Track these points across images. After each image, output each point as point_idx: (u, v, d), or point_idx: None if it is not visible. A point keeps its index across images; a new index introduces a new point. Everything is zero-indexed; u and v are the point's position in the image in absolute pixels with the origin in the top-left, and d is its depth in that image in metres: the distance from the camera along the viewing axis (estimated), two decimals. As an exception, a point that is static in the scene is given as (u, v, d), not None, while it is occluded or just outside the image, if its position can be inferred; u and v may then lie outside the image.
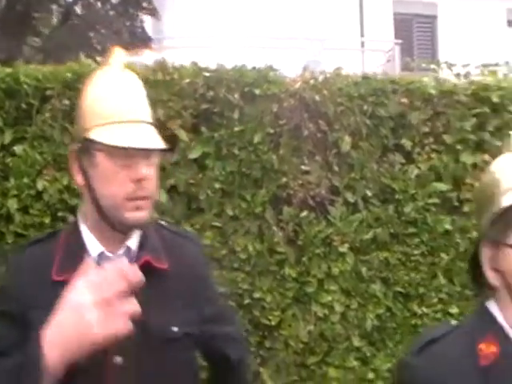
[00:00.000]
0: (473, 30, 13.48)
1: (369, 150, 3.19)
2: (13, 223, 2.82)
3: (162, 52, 8.80)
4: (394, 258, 3.23)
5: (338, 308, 3.14)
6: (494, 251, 1.44)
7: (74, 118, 1.56)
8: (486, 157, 3.28)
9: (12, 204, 2.82)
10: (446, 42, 13.68)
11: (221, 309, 1.73)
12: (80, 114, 1.50)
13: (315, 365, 3.13)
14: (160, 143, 1.47)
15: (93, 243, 1.48)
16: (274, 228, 3.07)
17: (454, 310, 3.31)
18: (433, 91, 3.31)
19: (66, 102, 2.89)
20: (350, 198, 3.17)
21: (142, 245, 1.52)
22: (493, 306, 1.45)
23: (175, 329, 1.49)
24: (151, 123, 1.49)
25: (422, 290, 3.27)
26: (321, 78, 3.18)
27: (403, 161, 3.27)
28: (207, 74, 3.10)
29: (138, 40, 7.20)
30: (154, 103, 2.96)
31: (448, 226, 3.29)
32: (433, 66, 4.13)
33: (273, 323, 3.05)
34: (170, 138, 2.98)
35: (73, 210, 2.76)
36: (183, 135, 3.00)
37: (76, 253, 1.43)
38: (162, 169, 2.96)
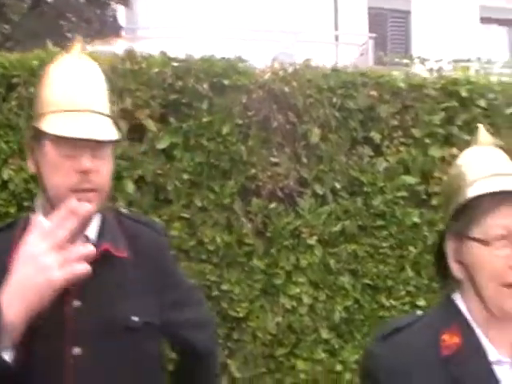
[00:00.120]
0: (446, 26, 13.57)
1: (338, 143, 3.19)
2: (-23, 213, 2.78)
3: (135, 42, 8.74)
4: (363, 250, 3.24)
5: (306, 300, 3.14)
6: (457, 244, 1.44)
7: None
8: (454, 151, 3.30)
9: (-23, 193, 2.78)
10: (419, 37, 13.76)
11: (185, 295, 1.71)
12: (35, 101, 1.48)
13: (283, 357, 3.13)
14: (109, 135, 1.43)
15: None
16: (243, 219, 3.06)
17: (422, 302, 3.32)
18: (402, 85, 3.32)
19: (33, 90, 2.84)
20: (319, 190, 3.17)
21: (100, 233, 1.49)
22: (458, 298, 1.46)
23: (136, 318, 1.48)
24: (105, 114, 1.46)
25: (390, 282, 3.29)
26: (290, 69, 3.17)
27: (372, 153, 3.28)
28: (176, 64, 3.07)
29: (109, 29, 7.12)
30: (122, 92, 2.95)
31: (416, 219, 3.31)
32: (406, 61, 4.15)
33: (241, 315, 3.04)
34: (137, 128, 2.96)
35: (38, 200, 2.72)
36: (151, 125, 2.97)
37: None
38: (130, 159, 2.93)
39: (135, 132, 2.98)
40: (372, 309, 3.26)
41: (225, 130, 3.03)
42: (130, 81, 2.98)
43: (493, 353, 1.39)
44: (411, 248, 3.31)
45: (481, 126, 1.52)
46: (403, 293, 3.31)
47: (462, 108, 3.44)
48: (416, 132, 3.34)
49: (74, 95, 1.43)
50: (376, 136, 3.28)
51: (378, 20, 13.76)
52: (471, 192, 1.40)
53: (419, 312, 1.70)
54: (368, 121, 3.28)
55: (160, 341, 1.60)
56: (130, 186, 2.90)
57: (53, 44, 3.05)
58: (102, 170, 1.45)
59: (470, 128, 3.38)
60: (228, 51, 3.29)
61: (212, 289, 3.00)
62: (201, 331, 1.74)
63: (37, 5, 7.78)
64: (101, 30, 6.70)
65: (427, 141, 3.35)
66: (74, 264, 1.16)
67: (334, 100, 3.20)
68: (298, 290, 3.12)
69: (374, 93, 3.26)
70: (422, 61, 3.80)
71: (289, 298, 3.11)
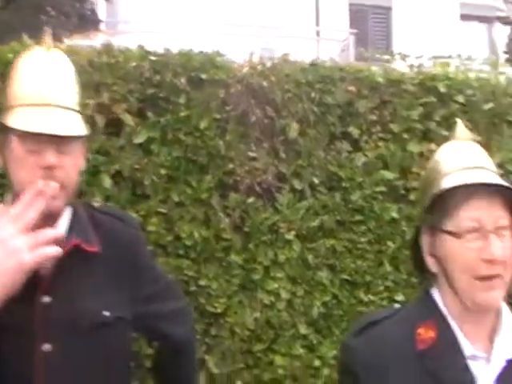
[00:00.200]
0: (427, 22, 13.66)
1: (316, 138, 3.18)
2: None
3: (116, 36, 8.69)
4: (341, 245, 3.24)
5: (285, 295, 3.13)
6: (432, 237, 1.45)
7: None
8: (433, 146, 3.30)
9: None
10: (400, 33, 13.82)
11: (163, 289, 1.70)
12: (5, 95, 1.46)
13: (261, 352, 3.11)
14: (74, 130, 1.41)
15: None
16: (221, 214, 3.04)
17: (400, 297, 3.33)
18: (380, 80, 3.32)
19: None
20: (297, 185, 3.16)
21: (71, 229, 1.47)
22: (435, 293, 1.46)
23: (107, 313, 1.46)
24: (73, 108, 1.43)
25: (368, 277, 3.29)
26: (268, 63, 3.16)
27: (350, 149, 3.27)
28: (153, 58, 3.05)
29: (88, 23, 7.06)
30: (99, 86, 2.92)
31: (394, 214, 3.31)
32: (386, 57, 4.15)
33: (218, 310, 3.03)
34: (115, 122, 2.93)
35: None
36: (128, 120, 2.94)
37: None
38: (107, 154, 2.91)
39: (112, 126, 2.95)
40: (350, 304, 3.26)
41: (202, 124, 3.00)
42: (106, 75, 2.95)
43: (468, 348, 1.39)
44: (390, 243, 3.31)
45: (459, 121, 1.53)
46: (382, 288, 3.31)
47: (440, 103, 3.44)
48: (394, 127, 3.34)
49: (42, 89, 1.41)
50: (354, 131, 3.27)
51: (359, 16, 13.80)
52: (444, 185, 1.41)
53: (397, 305, 1.71)
54: (346, 116, 3.28)
55: (131, 336, 1.58)
56: (106, 181, 2.87)
57: (30, 38, 3.01)
58: (68, 165, 1.42)
59: (448, 123, 3.39)
60: (209, 46, 3.27)
61: (189, 284, 2.98)
62: (179, 324, 1.73)
63: (14, -2, 7.69)
64: (80, 23, 6.64)
65: (405, 136, 3.36)
66: (44, 247, 1.15)
67: (313, 95, 3.19)
68: (276, 286, 3.11)
69: (352, 88, 3.26)
70: (403, 57, 3.81)
71: (267, 294, 3.10)
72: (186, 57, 3.08)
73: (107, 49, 3.05)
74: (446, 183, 1.40)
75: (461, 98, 3.47)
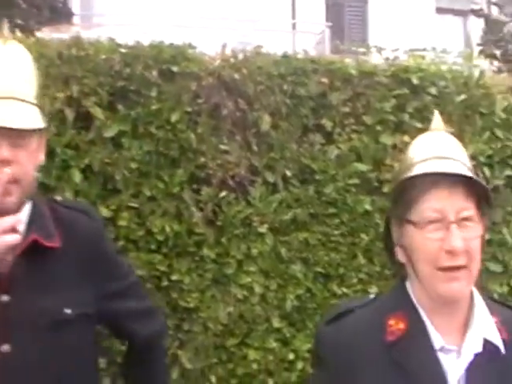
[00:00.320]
0: (403, 16, 13.70)
1: (289, 130, 3.16)
2: None
3: (90, 29, 8.60)
4: (314, 238, 3.22)
5: (258, 289, 3.11)
6: (400, 228, 1.44)
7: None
8: (406, 138, 3.30)
9: None
10: (376, 26, 13.85)
11: (128, 286, 1.67)
12: None
13: (235, 347, 3.10)
14: (29, 123, 1.37)
15: None
16: (193, 209, 3.01)
17: (374, 289, 3.32)
18: (353, 72, 3.31)
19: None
20: (270, 178, 3.14)
21: (30, 224, 1.44)
22: (409, 284, 1.46)
23: (68, 310, 1.43)
24: (29, 101, 1.40)
25: (341, 270, 3.28)
26: (241, 56, 3.13)
27: (323, 141, 3.26)
28: (124, 51, 3.01)
29: (60, 16, 6.97)
30: (68, 79, 2.88)
31: (368, 207, 3.31)
32: (362, 50, 4.14)
33: (191, 305, 3.00)
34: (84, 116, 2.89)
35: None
36: (99, 113, 2.91)
37: None
38: (76, 148, 2.87)
39: (82, 120, 2.91)
40: (324, 297, 3.24)
41: (174, 117, 2.97)
42: (76, 68, 2.91)
43: (438, 340, 1.39)
44: (363, 235, 3.30)
45: (436, 113, 1.53)
46: (355, 280, 3.30)
47: (413, 95, 3.44)
48: (367, 119, 3.33)
49: None
50: (327, 123, 3.26)
51: (335, 9, 13.80)
52: (407, 174, 1.40)
53: (372, 295, 1.71)
54: (319, 108, 3.26)
55: (94, 332, 1.55)
56: (76, 176, 2.84)
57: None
58: (24, 160, 1.38)
59: (421, 115, 3.39)
60: (185, 40, 3.23)
61: (162, 279, 2.96)
62: (145, 324, 1.71)
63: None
64: (51, 16, 6.55)
65: (379, 128, 3.35)
66: (1, 236, 1.12)
67: (285, 87, 3.17)
68: (249, 280, 3.09)
69: (325, 80, 3.24)
70: (379, 50, 3.80)
71: (240, 288, 3.08)
72: (156, 49, 3.04)
73: (76, 41, 3.01)
74: (409, 173, 1.39)
75: (434, 90, 3.47)
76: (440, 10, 14.98)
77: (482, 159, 3.47)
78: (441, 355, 1.38)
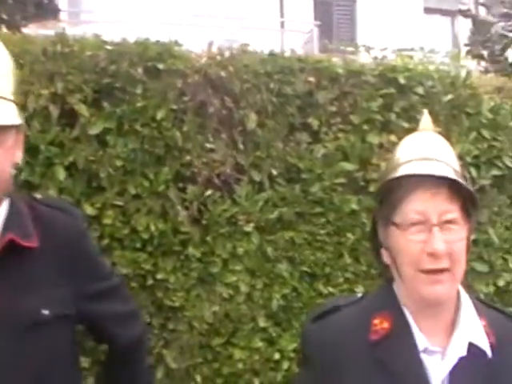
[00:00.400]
0: (391, 15, 13.73)
1: (275, 129, 3.15)
2: None
3: (78, 26, 8.56)
4: (300, 237, 3.21)
5: (244, 288, 3.10)
6: (385, 229, 1.43)
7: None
8: (392, 137, 3.30)
9: None
10: (364, 26, 13.87)
11: (109, 288, 1.64)
12: None
13: (220, 346, 3.08)
14: (4, 119, 1.34)
15: None
16: (178, 207, 2.99)
17: (360, 289, 3.32)
18: (340, 71, 3.30)
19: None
20: (256, 176, 3.12)
21: (6, 223, 1.41)
22: (395, 285, 1.45)
23: (46, 311, 1.40)
24: (4, 97, 1.37)
25: (328, 269, 3.27)
26: (227, 54, 3.12)
27: (310, 140, 3.25)
28: (109, 48, 2.99)
29: (46, 12, 6.91)
30: (53, 76, 2.85)
31: (354, 206, 3.30)
32: (351, 49, 4.14)
33: (177, 304, 2.98)
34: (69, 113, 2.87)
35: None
36: (83, 110, 2.88)
37: None
38: (61, 145, 2.84)
39: (67, 117, 2.88)
40: (310, 296, 3.24)
41: (159, 115, 2.95)
42: (61, 64, 2.88)
43: (422, 341, 1.38)
44: (349, 235, 3.29)
45: (425, 112, 1.52)
46: (341, 280, 3.30)
47: (400, 95, 3.44)
48: (354, 118, 3.32)
49: None
50: (314, 122, 3.25)
51: (323, 8, 13.80)
52: (393, 175, 1.39)
53: (359, 294, 1.70)
54: (306, 107, 3.25)
55: (76, 332, 1.53)
56: (61, 173, 2.81)
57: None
58: None
59: (408, 115, 3.39)
60: (172, 38, 3.21)
61: (147, 278, 2.93)
62: (126, 328, 1.68)
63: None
64: (37, 12, 6.50)
65: (365, 127, 3.34)
66: None
67: (272, 85, 3.15)
68: (234, 278, 3.07)
69: (311, 79, 3.23)
70: (367, 49, 3.79)
71: (225, 287, 3.07)
72: (142, 46, 3.02)
73: (62, 38, 2.98)
74: (394, 174, 1.38)
75: (421, 90, 3.47)
76: (428, 10, 15.02)
77: (468, 159, 3.47)
78: (424, 356, 1.37)
